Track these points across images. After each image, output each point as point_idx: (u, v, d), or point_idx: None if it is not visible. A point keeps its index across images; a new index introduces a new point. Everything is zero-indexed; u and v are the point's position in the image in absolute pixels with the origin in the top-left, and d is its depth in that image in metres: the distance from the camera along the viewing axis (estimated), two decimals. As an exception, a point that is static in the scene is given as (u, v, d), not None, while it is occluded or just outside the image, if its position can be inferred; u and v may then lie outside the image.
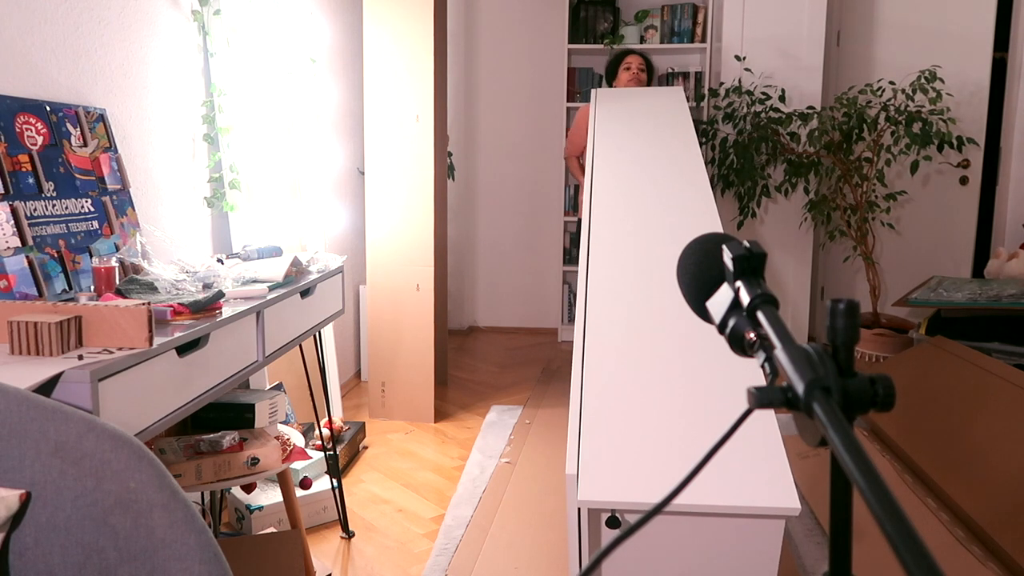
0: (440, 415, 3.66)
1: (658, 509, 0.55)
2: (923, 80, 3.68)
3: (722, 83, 4.32)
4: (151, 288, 1.70)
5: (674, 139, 2.69)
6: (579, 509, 1.30)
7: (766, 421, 1.39)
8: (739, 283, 0.67)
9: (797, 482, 2.78)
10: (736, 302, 0.67)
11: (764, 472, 1.29)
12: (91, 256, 1.80)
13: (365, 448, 3.27)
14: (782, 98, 4.08)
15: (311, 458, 2.67)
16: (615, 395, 1.50)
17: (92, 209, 1.87)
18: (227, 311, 1.67)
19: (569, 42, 4.87)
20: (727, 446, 1.32)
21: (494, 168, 5.24)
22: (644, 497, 1.27)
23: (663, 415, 1.44)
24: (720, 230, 2.04)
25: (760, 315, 0.64)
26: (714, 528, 1.28)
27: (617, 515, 1.29)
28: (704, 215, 2.14)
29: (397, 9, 3.41)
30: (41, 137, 1.76)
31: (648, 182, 2.35)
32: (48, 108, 1.81)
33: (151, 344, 1.36)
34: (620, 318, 1.75)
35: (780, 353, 0.57)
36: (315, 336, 2.50)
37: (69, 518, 1.04)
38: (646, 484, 1.28)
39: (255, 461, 1.87)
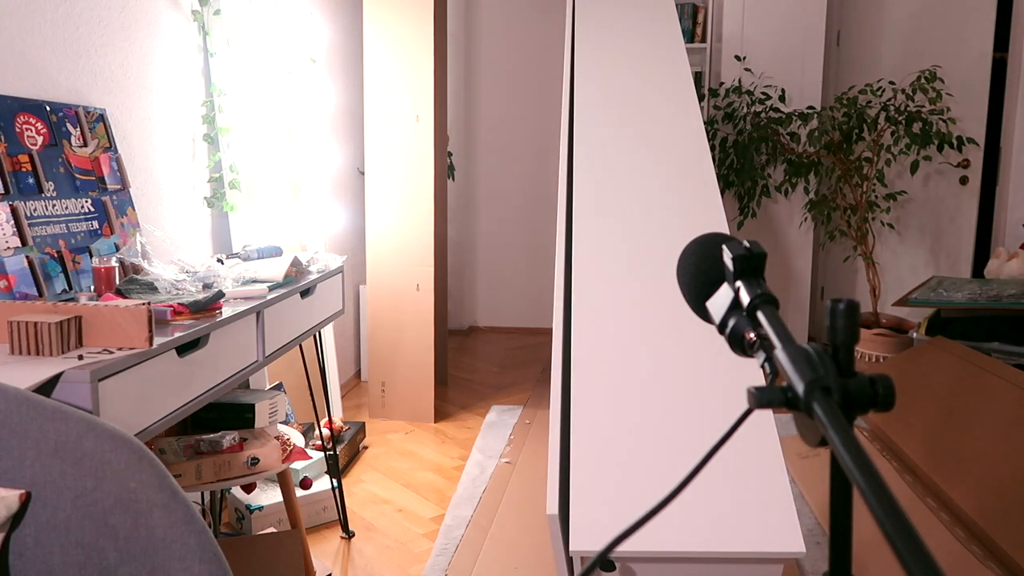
0: (440, 415, 3.66)
1: (658, 509, 0.55)
2: (923, 80, 3.68)
3: (722, 83, 4.32)
4: (151, 288, 1.70)
5: (666, 74, 2.32)
6: (571, 558, 1.13)
7: (771, 454, 1.25)
8: (739, 283, 0.67)
9: (797, 482, 2.78)
10: (736, 302, 0.67)
11: (767, 512, 1.16)
12: (91, 256, 1.80)
13: (365, 448, 3.27)
14: (782, 98, 4.08)
15: (311, 458, 2.67)
16: (610, 414, 1.30)
17: (92, 209, 1.87)
18: (227, 311, 1.67)
19: (569, 42, 4.87)
20: (730, 484, 1.20)
21: (494, 168, 5.24)
22: (645, 543, 1.10)
23: (669, 437, 1.26)
24: (715, 182, 1.95)
25: (760, 315, 0.64)
26: (709, 573, 1.16)
27: (613, 561, 1.14)
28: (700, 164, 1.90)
29: (397, 9, 3.41)
30: (41, 137, 1.76)
31: (637, 134, 2.07)
32: (48, 108, 1.81)
33: (151, 344, 1.36)
34: (612, 320, 1.51)
35: (780, 353, 0.57)
36: (315, 336, 2.50)
37: (69, 518, 1.04)
38: (646, 525, 1.10)
39: (255, 461, 1.87)
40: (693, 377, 1.40)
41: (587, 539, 1.11)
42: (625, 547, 1.11)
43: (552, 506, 1.11)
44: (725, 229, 1.74)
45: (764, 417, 1.32)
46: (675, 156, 2.02)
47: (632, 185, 1.92)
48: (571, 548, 1.10)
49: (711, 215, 1.80)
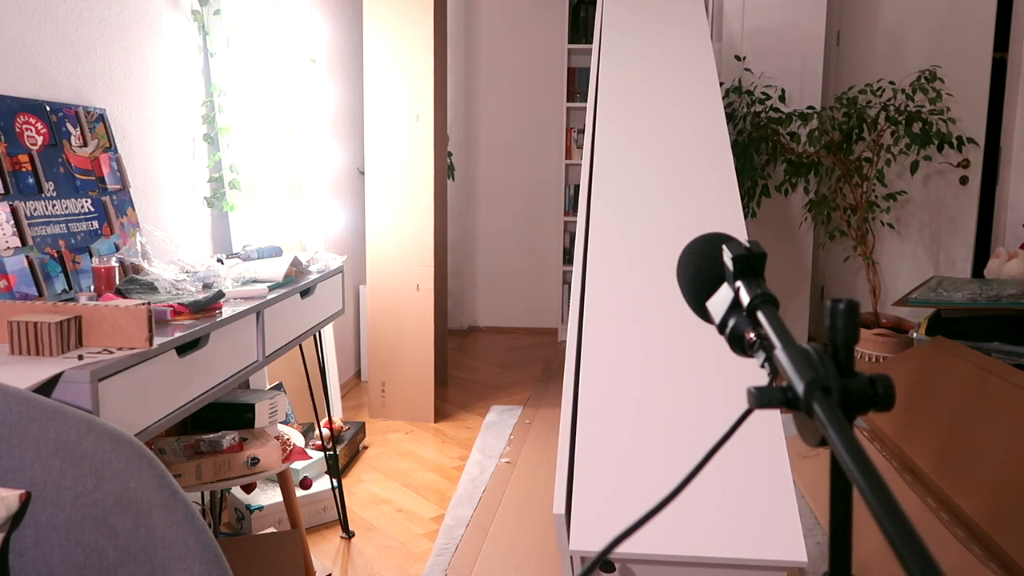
0: (440, 415, 3.66)
1: (656, 511, 0.55)
2: (923, 80, 3.68)
3: (722, 83, 4.32)
4: (151, 288, 1.70)
5: (692, 86, 2.30)
6: (571, 557, 1.14)
7: (777, 460, 1.24)
8: (739, 283, 0.67)
9: (797, 482, 2.78)
10: (736, 302, 0.67)
11: (770, 518, 1.16)
12: (91, 256, 1.80)
13: (365, 448, 3.27)
14: (782, 98, 4.08)
15: (311, 458, 2.67)
16: (614, 417, 1.31)
17: (92, 209, 1.87)
18: (227, 311, 1.67)
19: (569, 42, 4.87)
20: (734, 489, 1.20)
21: (494, 168, 5.24)
22: (646, 545, 1.10)
23: (671, 442, 1.26)
24: (738, 199, 1.96)
25: (760, 315, 0.64)
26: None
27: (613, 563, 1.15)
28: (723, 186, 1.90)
29: (397, 9, 3.41)
30: (41, 137, 1.76)
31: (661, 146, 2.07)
32: (48, 108, 1.81)
33: (151, 344, 1.36)
34: (621, 322, 1.51)
35: (780, 353, 0.57)
36: (315, 336, 2.50)
37: (69, 518, 1.04)
38: (648, 528, 1.13)
39: (255, 461, 1.87)
40: (699, 378, 1.40)
41: (587, 539, 1.12)
42: (626, 548, 1.11)
43: (559, 505, 1.13)
44: (743, 237, 1.73)
45: (771, 423, 1.32)
46: (697, 163, 2.02)
47: (650, 192, 1.93)
48: (571, 547, 1.11)
49: (729, 227, 1.81)
